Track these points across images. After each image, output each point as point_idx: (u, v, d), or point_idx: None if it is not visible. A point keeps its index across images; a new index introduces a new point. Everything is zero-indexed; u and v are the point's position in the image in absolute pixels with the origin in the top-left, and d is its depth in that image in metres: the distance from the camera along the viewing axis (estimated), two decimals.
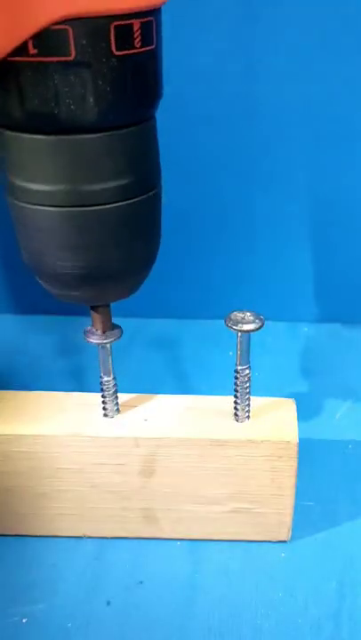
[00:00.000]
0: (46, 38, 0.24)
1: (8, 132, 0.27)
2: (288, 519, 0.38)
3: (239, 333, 0.34)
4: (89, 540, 0.39)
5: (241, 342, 0.34)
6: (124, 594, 0.36)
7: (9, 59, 0.25)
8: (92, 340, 0.35)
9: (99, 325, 0.34)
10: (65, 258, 0.30)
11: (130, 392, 0.38)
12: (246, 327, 0.33)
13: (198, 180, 0.53)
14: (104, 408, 0.37)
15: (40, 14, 0.23)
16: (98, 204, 0.28)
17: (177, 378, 0.52)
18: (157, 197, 0.31)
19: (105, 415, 0.37)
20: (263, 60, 0.48)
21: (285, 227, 0.54)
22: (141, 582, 0.37)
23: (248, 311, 0.34)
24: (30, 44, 0.24)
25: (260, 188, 0.53)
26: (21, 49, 0.24)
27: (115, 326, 0.35)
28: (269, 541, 0.39)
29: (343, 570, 0.37)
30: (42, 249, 0.30)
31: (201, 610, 0.36)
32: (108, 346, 0.35)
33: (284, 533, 0.39)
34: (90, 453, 0.36)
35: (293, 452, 0.36)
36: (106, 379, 0.36)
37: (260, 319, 0.34)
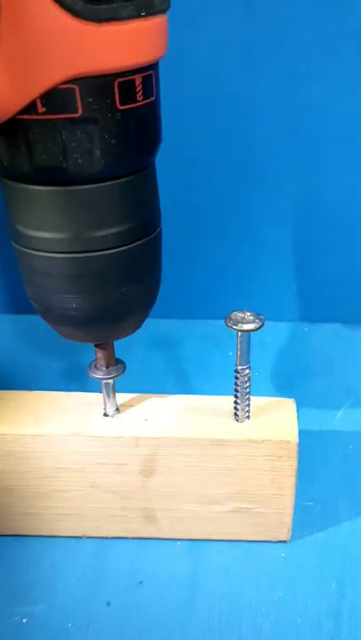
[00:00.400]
0: (54, 97, 0.25)
1: (13, 183, 0.28)
2: (288, 519, 0.38)
3: (239, 333, 0.34)
4: (89, 540, 0.39)
5: (241, 342, 0.34)
6: (124, 594, 0.36)
7: (18, 117, 0.25)
8: (96, 376, 0.36)
9: (102, 362, 0.35)
10: (68, 301, 0.30)
11: (130, 392, 0.38)
12: (246, 327, 0.33)
13: (198, 180, 0.53)
14: (104, 408, 0.37)
15: (48, 75, 0.24)
16: (102, 250, 0.29)
17: (177, 378, 0.52)
18: (158, 238, 0.32)
19: (105, 415, 0.37)
20: (263, 60, 0.48)
21: (286, 227, 0.54)
22: (141, 582, 0.37)
23: (248, 311, 0.34)
24: (39, 103, 0.25)
25: (260, 188, 0.53)
26: (30, 107, 0.25)
27: (118, 361, 0.36)
28: (269, 541, 0.39)
29: (343, 570, 0.37)
30: (46, 291, 0.31)
31: (201, 610, 0.36)
32: (111, 381, 0.36)
33: (284, 533, 0.39)
34: (90, 453, 0.36)
35: (294, 451, 0.36)
36: (110, 413, 0.37)
37: (261, 319, 0.34)
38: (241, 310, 0.34)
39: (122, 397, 0.38)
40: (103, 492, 0.38)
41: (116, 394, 0.37)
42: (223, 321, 0.34)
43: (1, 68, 0.24)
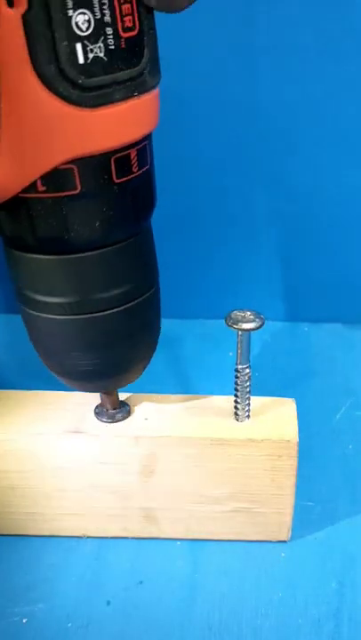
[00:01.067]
0: (54, 177, 0.26)
1: (17, 252, 0.29)
2: (288, 519, 0.38)
3: (239, 332, 0.34)
4: (89, 539, 0.39)
5: (241, 341, 0.34)
6: (124, 594, 0.36)
7: (19, 194, 0.26)
8: (104, 420, 0.37)
9: (110, 405, 0.36)
10: (75, 358, 0.31)
11: (130, 392, 0.38)
12: (246, 326, 0.33)
13: (199, 179, 0.53)
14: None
15: (48, 159, 0.25)
16: (103, 310, 0.30)
17: (177, 378, 0.52)
18: (157, 293, 0.33)
19: None
20: (264, 60, 0.48)
21: (286, 226, 0.54)
22: (141, 582, 0.37)
23: (248, 310, 0.34)
24: (39, 183, 0.26)
25: (260, 187, 0.53)
26: (31, 187, 0.26)
27: (123, 403, 0.37)
28: (269, 541, 0.39)
29: (343, 570, 0.37)
30: (51, 351, 0.32)
31: (201, 610, 0.35)
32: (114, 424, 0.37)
33: (284, 533, 0.39)
34: (90, 453, 0.36)
35: (293, 451, 0.35)
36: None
37: (261, 318, 0.34)
38: (241, 309, 0.34)
39: (122, 397, 0.38)
40: (103, 491, 0.38)
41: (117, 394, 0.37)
42: (223, 321, 0.34)
43: (2, 153, 0.24)
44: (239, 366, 0.35)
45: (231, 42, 0.47)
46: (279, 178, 0.52)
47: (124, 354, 0.32)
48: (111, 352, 0.32)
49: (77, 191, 0.26)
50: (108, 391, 0.36)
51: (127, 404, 0.37)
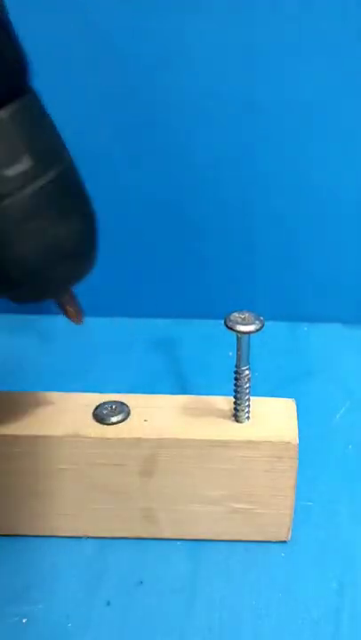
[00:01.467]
0: None
1: None
2: (288, 519, 0.38)
3: (239, 335, 0.34)
4: (89, 539, 0.39)
5: (241, 343, 0.34)
6: (124, 594, 0.36)
7: None
8: (103, 421, 0.37)
9: (72, 313, 0.34)
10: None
11: (130, 392, 0.38)
12: (246, 329, 0.33)
13: (198, 178, 0.53)
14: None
15: None
16: (10, 194, 0.27)
17: (177, 378, 0.52)
18: (69, 170, 0.30)
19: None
20: (263, 57, 0.48)
21: (286, 226, 0.54)
22: (141, 582, 0.37)
23: (248, 312, 0.34)
24: None
25: (260, 186, 0.53)
26: None
27: (122, 405, 0.37)
28: (269, 541, 0.39)
29: (343, 570, 0.37)
30: None
31: (201, 610, 0.36)
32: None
33: (284, 533, 0.39)
34: (90, 453, 0.36)
35: (294, 452, 0.36)
36: None
37: (260, 320, 0.34)
38: (241, 311, 0.34)
39: (122, 397, 0.38)
40: (103, 492, 0.38)
41: (116, 394, 0.37)
42: (223, 321, 0.34)
43: None
44: (239, 368, 0.35)
45: (230, 41, 0.47)
46: (279, 178, 0.52)
47: (45, 242, 0.29)
48: (31, 241, 0.28)
49: None
50: (57, 298, 0.33)
51: (127, 406, 0.37)
